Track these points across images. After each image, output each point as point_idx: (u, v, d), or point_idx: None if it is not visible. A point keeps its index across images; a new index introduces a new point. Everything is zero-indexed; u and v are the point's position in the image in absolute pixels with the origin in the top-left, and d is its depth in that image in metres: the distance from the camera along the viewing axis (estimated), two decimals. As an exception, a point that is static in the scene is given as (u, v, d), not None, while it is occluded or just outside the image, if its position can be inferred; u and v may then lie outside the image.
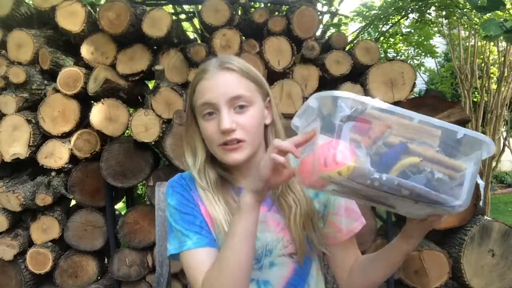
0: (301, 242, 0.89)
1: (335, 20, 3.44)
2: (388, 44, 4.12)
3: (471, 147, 0.65)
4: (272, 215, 0.92)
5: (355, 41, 3.25)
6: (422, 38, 3.82)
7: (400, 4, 2.96)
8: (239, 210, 0.78)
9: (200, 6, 2.21)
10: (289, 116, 1.23)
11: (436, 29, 3.97)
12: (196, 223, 0.88)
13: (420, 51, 4.11)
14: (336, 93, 0.65)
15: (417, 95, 3.70)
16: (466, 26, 3.67)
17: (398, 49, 4.24)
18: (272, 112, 0.94)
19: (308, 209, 0.91)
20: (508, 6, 2.99)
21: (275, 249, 0.90)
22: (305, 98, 2.07)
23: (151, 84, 2.59)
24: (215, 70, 0.87)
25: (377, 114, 0.64)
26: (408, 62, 3.01)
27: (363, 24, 3.66)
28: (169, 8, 3.18)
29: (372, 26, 3.64)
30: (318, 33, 2.67)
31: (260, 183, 0.74)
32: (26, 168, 2.19)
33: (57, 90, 2.05)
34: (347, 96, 0.64)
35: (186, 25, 3.58)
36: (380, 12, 3.31)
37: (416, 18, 3.34)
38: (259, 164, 0.74)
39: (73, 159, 2.06)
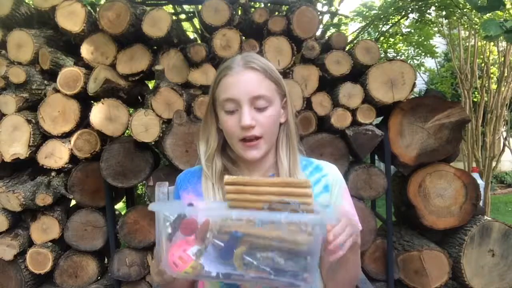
0: None
1: (335, 20, 3.44)
2: (388, 44, 4.12)
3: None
4: None
5: (355, 41, 3.26)
6: (422, 38, 3.82)
7: (400, 4, 2.97)
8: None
9: (200, 6, 2.21)
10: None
11: (436, 29, 3.97)
12: None
13: (420, 51, 4.11)
14: (154, 207, 0.72)
15: (417, 95, 3.70)
16: (466, 26, 3.67)
17: (398, 49, 4.25)
18: (287, 111, 0.99)
19: None
20: (508, 6, 2.99)
21: None
22: (305, 98, 2.07)
23: (151, 84, 2.59)
24: (240, 68, 0.91)
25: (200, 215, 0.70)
26: (408, 62, 3.01)
27: (363, 24, 3.66)
28: (169, 8, 3.19)
29: (372, 26, 3.65)
30: (318, 33, 2.67)
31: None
32: (26, 168, 2.19)
33: (57, 90, 2.05)
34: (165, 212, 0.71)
35: (186, 25, 3.58)
36: (380, 12, 3.31)
37: (416, 18, 3.34)
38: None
39: (73, 159, 2.06)
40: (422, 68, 4.58)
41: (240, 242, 0.67)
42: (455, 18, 3.38)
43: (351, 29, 4.58)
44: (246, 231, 0.68)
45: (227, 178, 0.76)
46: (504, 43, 3.71)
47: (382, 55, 3.86)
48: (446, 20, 3.68)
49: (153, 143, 2.00)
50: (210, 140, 0.98)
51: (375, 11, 3.44)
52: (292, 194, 0.71)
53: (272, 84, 0.94)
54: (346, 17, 3.70)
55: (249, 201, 0.74)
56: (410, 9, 3.04)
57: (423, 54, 4.15)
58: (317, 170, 1.01)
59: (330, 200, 0.98)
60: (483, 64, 4.09)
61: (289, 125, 0.99)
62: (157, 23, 1.98)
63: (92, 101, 2.18)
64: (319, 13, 2.74)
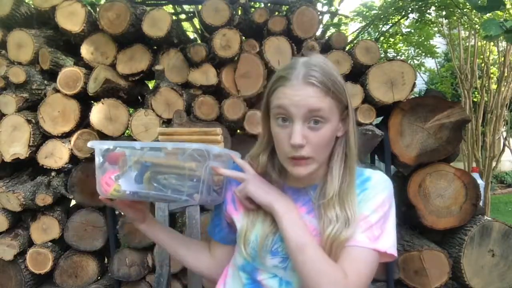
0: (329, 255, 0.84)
1: (335, 20, 3.44)
2: (388, 44, 4.12)
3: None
4: (310, 220, 0.89)
5: (355, 41, 3.25)
6: (422, 38, 3.82)
7: (400, 4, 2.97)
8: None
9: (200, 6, 2.21)
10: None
11: (436, 29, 3.97)
12: (219, 219, 1.05)
13: (420, 51, 4.11)
14: (91, 143, 0.94)
15: (417, 95, 3.70)
16: (466, 26, 3.67)
17: (398, 49, 4.24)
18: (347, 123, 0.90)
19: (350, 234, 0.84)
20: (508, 6, 2.99)
21: None
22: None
23: (151, 84, 2.59)
24: (298, 82, 0.83)
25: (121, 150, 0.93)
26: (408, 62, 3.01)
27: (363, 24, 3.66)
28: (169, 8, 3.18)
29: (372, 26, 3.64)
30: (318, 33, 2.67)
31: None
32: (26, 168, 2.19)
33: (57, 90, 2.05)
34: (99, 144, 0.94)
35: (186, 25, 3.58)
36: (380, 12, 3.31)
37: (416, 18, 3.34)
38: None
39: (73, 159, 2.06)
40: (422, 68, 4.58)
41: (149, 169, 0.88)
42: (455, 18, 3.38)
43: (351, 29, 4.58)
44: (153, 161, 0.89)
45: (159, 129, 0.94)
46: (504, 43, 3.71)
47: (382, 55, 3.85)
48: (446, 20, 3.68)
49: (153, 143, 1.99)
50: (263, 139, 0.96)
51: (375, 11, 3.44)
52: (206, 140, 0.94)
53: (332, 101, 0.84)
54: (346, 17, 3.70)
55: None
56: (410, 9, 3.04)
57: (423, 54, 4.14)
58: (365, 180, 0.92)
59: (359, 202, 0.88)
60: (483, 64, 4.09)
61: (348, 138, 0.90)
62: (157, 23, 1.98)
63: (92, 101, 2.18)
64: (319, 13, 2.74)
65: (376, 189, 0.91)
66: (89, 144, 0.94)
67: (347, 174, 0.89)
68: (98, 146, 0.93)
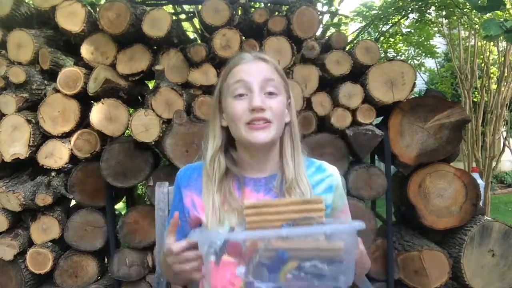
0: None
1: (335, 20, 3.44)
2: (388, 44, 4.12)
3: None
4: None
5: (355, 41, 3.26)
6: (422, 38, 3.82)
7: (400, 4, 2.97)
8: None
9: (200, 6, 2.20)
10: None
11: (436, 29, 3.97)
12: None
13: (420, 51, 4.11)
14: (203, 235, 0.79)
15: (417, 95, 3.70)
16: (466, 26, 3.67)
17: (398, 49, 4.24)
18: (291, 112, 1.00)
19: None
20: (508, 6, 2.99)
21: None
22: (305, 98, 2.07)
23: (151, 84, 2.59)
24: (251, 58, 0.95)
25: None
26: (408, 62, 3.02)
27: (363, 24, 3.66)
28: (169, 8, 3.19)
29: (372, 26, 3.64)
30: (318, 33, 2.67)
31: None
32: (26, 168, 2.19)
33: (57, 90, 2.05)
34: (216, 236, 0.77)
35: (186, 25, 3.58)
36: (380, 12, 3.31)
37: (416, 18, 3.34)
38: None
39: (73, 159, 2.06)
40: (422, 68, 4.58)
41: (287, 257, 0.74)
42: (455, 18, 3.38)
43: (351, 29, 4.58)
44: (289, 247, 0.74)
45: (246, 203, 0.79)
46: (504, 43, 3.71)
47: (382, 55, 3.86)
48: (446, 20, 3.67)
49: (153, 143, 2.00)
50: (215, 139, 0.98)
51: (375, 11, 3.43)
52: (309, 210, 0.79)
53: (280, 79, 0.96)
54: (346, 17, 3.70)
55: (269, 221, 0.78)
56: (410, 9, 3.04)
57: (423, 54, 4.14)
58: (320, 170, 1.02)
59: (333, 200, 1.00)
60: (483, 64, 4.09)
61: (293, 125, 1.00)
62: (157, 23, 1.98)
63: (92, 101, 2.18)
64: (319, 13, 2.74)
65: (343, 184, 1.07)
66: (194, 236, 0.78)
67: (295, 155, 0.99)
68: (211, 237, 0.76)
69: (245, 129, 0.91)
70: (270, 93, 0.92)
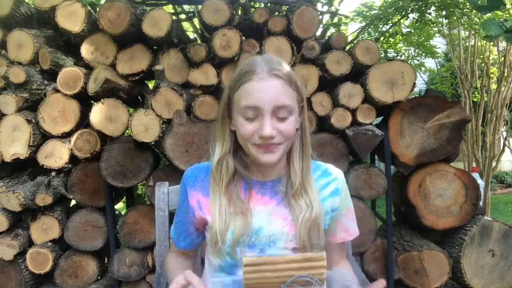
0: (304, 240, 0.93)
1: (335, 20, 3.44)
2: (388, 44, 4.12)
3: None
4: (280, 209, 0.97)
5: (355, 41, 3.26)
6: (422, 38, 3.82)
7: (400, 4, 2.97)
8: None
9: (200, 6, 2.20)
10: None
11: (436, 29, 3.97)
12: (183, 227, 1.05)
13: (420, 51, 4.11)
14: None
15: (417, 95, 3.69)
16: (466, 26, 3.66)
17: (398, 49, 4.24)
18: (303, 117, 0.98)
19: (318, 212, 0.95)
20: (508, 6, 2.99)
21: (279, 241, 0.94)
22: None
23: (151, 84, 2.59)
24: (264, 75, 0.88)
25: None
26: (408, 62, 3.01)
27: (363, 24, 3.66)
28: (169, 8, 3.19)
29: (372, 26, 3.64)
30: (318, 33, 2.67)
31: None
32: (26, 168, 2.19)
33: (57, 90, 2.05)
34: None
35: (186, 25, 3.58)
36: (380, 12, 3.31)
37: (416, 18, 3.34)
38: None
39: (73, 159, 2.06)
40: (422, 68, 4.58)
41: None
42: (455, 18, 3.38)
43: (351, 29, 4.58)
44: None
45: (245, 260, 0.77)
46: (504, 43, 3.71)
47: (382, 55, 3.86)
48: (446, 20, 3.67)
49: (153, 143, 2.00)
50: (224, 143, 0.97)
51: (375, 11, 3.43)
52: (309, 267, 0.78)
53: (294, 92, 0.92)
54: (346, 17, 3.70)
55: (268, 278, 0.77)
56: (410, 9, 3.04)
57: (423, 54, 4.14)
58: (326, 174, 1.03)
59: (340, 203, 1.01)
60: (483, 64, 4.09)
61: (304, 130, 0.98)
62: (157, 23, 1.98)
63: (92, 101, 2.18)
64: (319, 13, 2.74)
65: (346, 185, 1.05)
66: None
67: (304, 161, 0.98)
68: None
69: (253, 148, 0.91)
70: (283, 115, 0.89)
